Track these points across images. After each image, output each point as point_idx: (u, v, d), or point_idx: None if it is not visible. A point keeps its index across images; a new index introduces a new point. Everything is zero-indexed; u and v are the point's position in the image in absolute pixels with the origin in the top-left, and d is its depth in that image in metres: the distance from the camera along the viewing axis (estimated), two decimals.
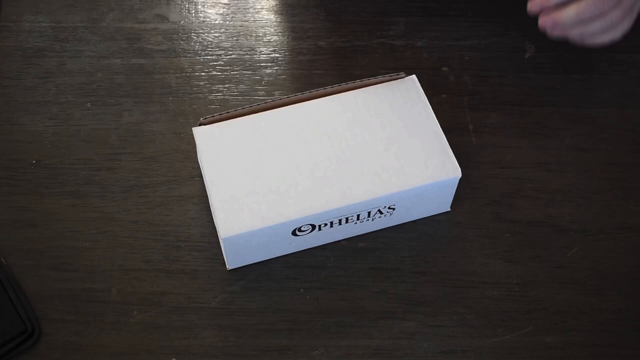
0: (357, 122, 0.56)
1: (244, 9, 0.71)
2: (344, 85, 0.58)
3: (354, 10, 0.71)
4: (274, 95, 0.65)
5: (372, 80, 0.58)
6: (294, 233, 0.54)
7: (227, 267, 0.56)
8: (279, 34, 0.69)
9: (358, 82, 0.58)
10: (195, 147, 0.57)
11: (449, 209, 0.59)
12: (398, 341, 0.54)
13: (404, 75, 0.59)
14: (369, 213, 0.55)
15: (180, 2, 0.71)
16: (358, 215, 0.55)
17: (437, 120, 0.57)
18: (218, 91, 0.65)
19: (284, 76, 0.67)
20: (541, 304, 0.55)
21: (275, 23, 0.70)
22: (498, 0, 0.71)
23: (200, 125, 0.57)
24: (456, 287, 0.56)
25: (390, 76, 0.59)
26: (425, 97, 0.58)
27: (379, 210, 0.55)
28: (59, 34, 0.69)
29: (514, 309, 0.55)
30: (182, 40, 0.69)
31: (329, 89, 0.58)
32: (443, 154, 0.55)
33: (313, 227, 0.54)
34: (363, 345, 0.54)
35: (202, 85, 0.66)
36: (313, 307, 0.55)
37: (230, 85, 0.66)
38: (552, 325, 0.55)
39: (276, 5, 0.71)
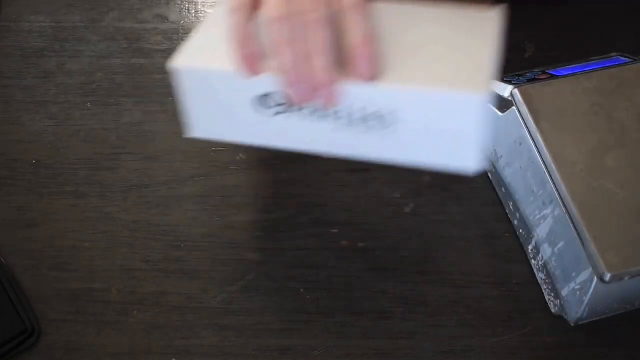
0: (421, 20, 0.47)
1: None
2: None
3: None
4: None
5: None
6: (263, 104, 0.45)
7: (191, 133, 0.48)
8: None
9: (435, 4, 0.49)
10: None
11: (474, 167, 0.45)
12: (398, 341, 0.54)
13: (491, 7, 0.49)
14: (365, 117, 0.44)
15: (180, 2, 0.71)
16: (350, 115, 0.45)
17: (496, 46, 0.45)
18: None
19: None
20: (541, 304, 0.55)
21: None
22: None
23: None
24: (456, 287, 0.56)
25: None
26: (499, 34, 0.46)
27: (377, 116, 0.44)
28: (59, 34, 0.69)
29: (514, 309, 0.55)
30: (182, 40, 0.69)
31: None
32: (479, 70, 0.43)
33: (286, 106, 0.45)
34: (363, 345, 0.54)
35: None
36: (313, 307, 0.55)
37: None
38: (552, 325, 0.55)
39: None
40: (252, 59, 0.44)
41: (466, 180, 0.60)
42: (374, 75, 0.43)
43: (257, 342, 0.54)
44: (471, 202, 0.60)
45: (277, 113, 0.45)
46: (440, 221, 0.59)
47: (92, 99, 0.65)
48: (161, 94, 0.65)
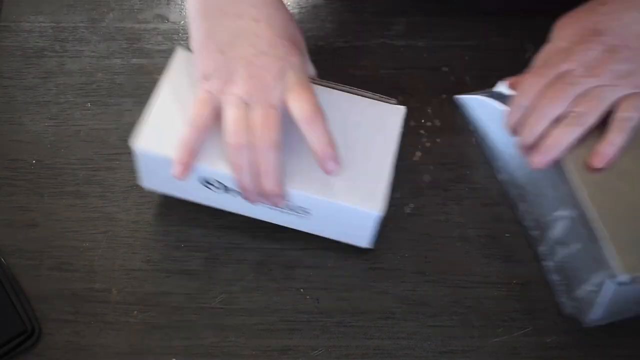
0: (333, 108, 0.54)
1: None
2: (333, 84, 0.57)
3: (354, 10, 0.71)
4: None
5: (363, 92, 0.57)
6: (204, 184, 0.54)
7: (142, 184, 0.57)
8: None
9: (348, 88, 0.57)
10: None
11: (369, 246, 0.56)
12: (398, 341, 0.54)
13: (395, 102, 0.57)
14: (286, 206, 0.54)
15: (180, 2, 0.71)
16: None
17: (394, 157, 0.54)
18: None
19: None
20: (541, 304, 0.55)
21: None
22: (498, 0, 0.71)
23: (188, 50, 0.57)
24: (456, 287, 0.56)
25: (381, 97, 0.57)
26: (400, 131, 0.55)
27: (295, 207, 0.54)
28: (59, 34, 0.69)
29: (514, 309, 0.55)
30: (182, 40, 0.69)
31: (324, 82, 0.57)
32: (376, 187, 0.53)
33: (225, 188, 0.54)
34: (363, 345, 0.54)
35: None
36: (313, 307, 0.55)
37: None
38: (552, 325, 0.55)
39: None
40: (185, 169, 0.52)
41: (466, 180, 0.60)
42: (338, 169, 0.52)
43: (257, 342, 0.54)
44: (471, 202, 0.60)
45: (218, 189, 0.54)
46: (440, 221, 0.59)
47: (92, 99, 0.65)
48: None
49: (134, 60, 0.67)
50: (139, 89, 0.66)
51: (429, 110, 0.64)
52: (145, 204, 0.59)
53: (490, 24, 0.70)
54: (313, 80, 0.56)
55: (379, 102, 0.57)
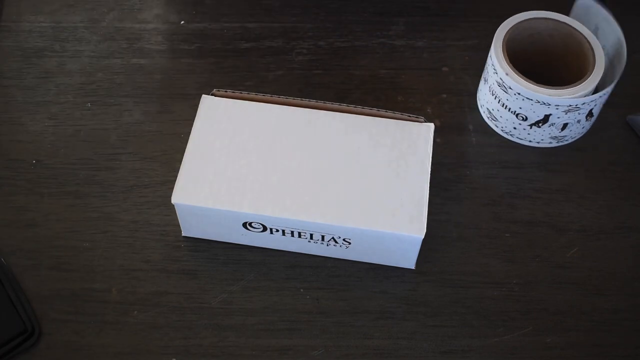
0: (352, 148, 0.55)
1: (244, 8, 0.71)
2: (359, 108, 0.57)
3: (354, 10, 0.71)
4: (273, 95, 0.65)
5: (389, 113, 0.57)
6: (245, 226, 0.55)
7: (182, 233, 0.58)
8: (279, 34, 0.69)
9: (375, 111, 0.57)
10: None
11: (413, 267, 0.56)
12: (398, 341, 0.54)
13: (423, 120, 0.57)
14: (323, 237, 0.54)
15: (180, 2, 0.71)
16: (311, 235, 0.54)
17: (429, 176, 0.55)
18: None
19: (284, 76, 0.67)
20: (541, 304, 0.55)
21: (275, 23, 0.70)
22: (498, 1, 0.71)
23: (211, 95, 0.58)
24: (456, 287, 0.56)
25: (409, 116, 0.57)
26: (431, 149, 0.56)
27: (333, 239, 0.54)
28: (59, 34, 0.69)
29: (514, 309, 0.55)
30: (182, 40, 0.69)
31: (344, 106, 0.57)
32: (416, 209, 0.53)
33: (265, 227, 0.54)
34: (363, 345, 0.54)
35: (202, 85, 0.66)
36: (313, 307, 0.55)
37: (231, 85, 0.66)
38: (552, 325, 0.55)
39: (276, 5, 0.71)
40: None
41: (466, 180, 0.60)
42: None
43: (257, 342, 0.54)
44: (471, 202, 0.60)
45: (257, 229, 0.55)
46: (440, 221, 0.59)
47: (92, 99, 0.65)
48: (161, 94, 0.65)
49: (134, 60, 0.67)
50: (139, 89, 0.66)
51: (428, 110, 0.64)
52: (145, 204, 0.59)
53: (490, 24, 0.70)
54: (339, 106, 0.57)
55: (407, 121, 0.57)
